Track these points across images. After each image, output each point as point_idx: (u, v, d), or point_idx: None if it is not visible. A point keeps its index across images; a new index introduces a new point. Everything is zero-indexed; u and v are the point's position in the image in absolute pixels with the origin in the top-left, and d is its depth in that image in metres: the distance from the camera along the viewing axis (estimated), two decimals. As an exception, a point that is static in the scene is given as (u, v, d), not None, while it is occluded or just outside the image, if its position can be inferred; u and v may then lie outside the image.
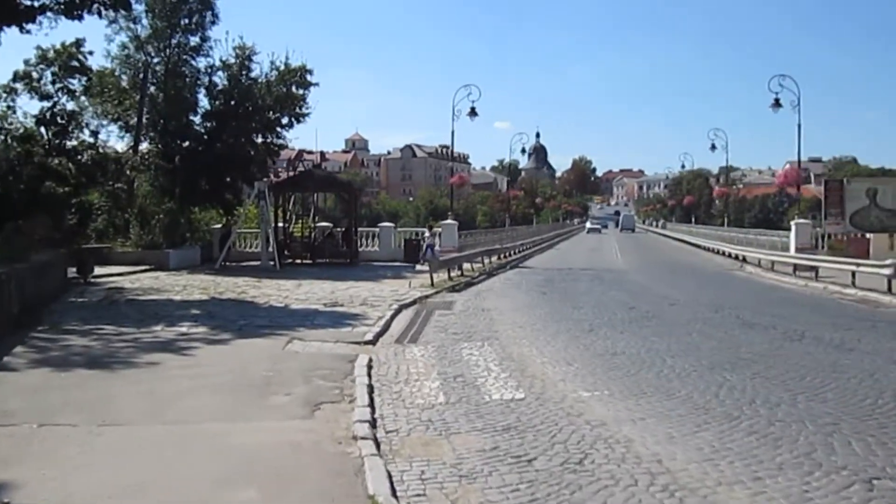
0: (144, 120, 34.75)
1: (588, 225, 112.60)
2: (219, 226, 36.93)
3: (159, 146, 35.31)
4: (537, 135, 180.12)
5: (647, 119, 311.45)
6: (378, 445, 8.18)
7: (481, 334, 16.03)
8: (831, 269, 29.20)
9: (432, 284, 26.10)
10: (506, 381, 11.53)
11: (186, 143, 35.22)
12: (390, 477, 7.06)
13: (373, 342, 14.84)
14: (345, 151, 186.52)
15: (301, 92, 36.22)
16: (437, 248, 36.10)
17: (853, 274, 26.68)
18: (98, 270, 27.25)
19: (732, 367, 12.32)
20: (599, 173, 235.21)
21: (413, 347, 14.49)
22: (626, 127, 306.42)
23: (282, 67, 35.97)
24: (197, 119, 35.78)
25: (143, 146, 35.66)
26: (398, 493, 6.78)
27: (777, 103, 39.91)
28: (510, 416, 9.51)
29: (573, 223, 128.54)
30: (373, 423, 8.99)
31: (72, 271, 25.64)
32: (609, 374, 12.02)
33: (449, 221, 40.05)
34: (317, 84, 36.78)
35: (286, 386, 10.87)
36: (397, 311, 19.10)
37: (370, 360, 12.84)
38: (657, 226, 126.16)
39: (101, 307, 19.83)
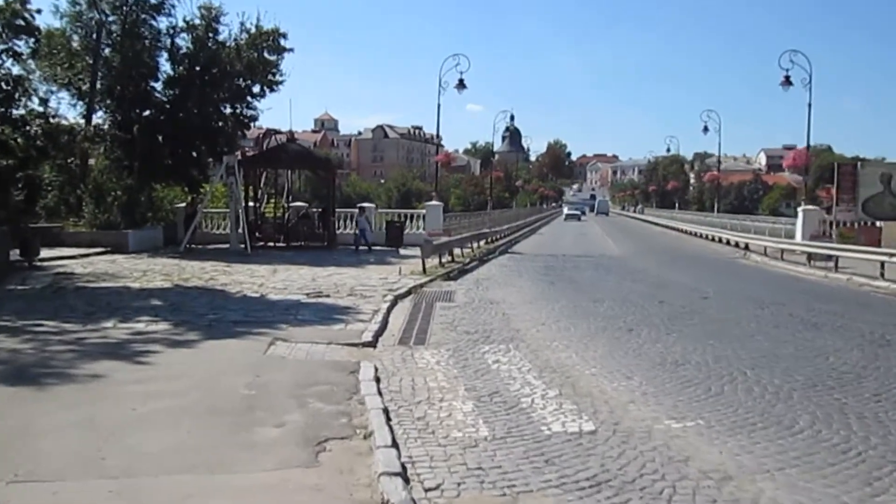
0: (99, 86, 31.73)
1: (566, 210, 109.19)
2: (183, 204, 34.21)
3: (116, 115, 32.26)
4: (511, 117, 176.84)
5: (621, 104, 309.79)
6: (422, 518, 5.61)
7: (500, 334, 13.47)
8: (850, 259, 27.28)
9: (424, 271, 23.88)
10: (558, 402, 9.03)
11: (146, 113, 32.25)
12: None
13: (373, 343, 12.32)
14: (314, 131, 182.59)
15: (274, 57, 33.43)
16: (368, 231, 33.90)
17: (882, 265, 24.70)
18: (47, 253, 24.57)
19: (839, 385, 9.86)
20: (574, 158, 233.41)
21: (423, 351, 11.98)
22: (600, 112, 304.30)
23: (253, 30, 33.12)
24: (158, 86, 32.81)
25: (98, 115, 32.83)
26: None
27: (788, 81, 37.74)
28: (590, 461, 6.99)
29: (549, 208, 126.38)
30: (404, 476, 6.39)
31: (16, 254, 22.87)
32: (686, 392, 9.52)
33: (433, 203, 37.87)
34: (291, 49, 34.04)
35: (274, 410, 8.26)
36: (393, 303, 16.62)
37: (376, 369, 10.33)
38: (635, 211, 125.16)
39: (43, 296, 17.09)
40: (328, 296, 17.79)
